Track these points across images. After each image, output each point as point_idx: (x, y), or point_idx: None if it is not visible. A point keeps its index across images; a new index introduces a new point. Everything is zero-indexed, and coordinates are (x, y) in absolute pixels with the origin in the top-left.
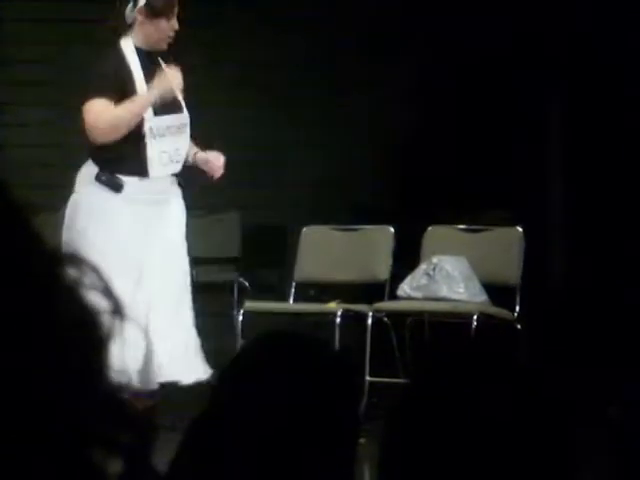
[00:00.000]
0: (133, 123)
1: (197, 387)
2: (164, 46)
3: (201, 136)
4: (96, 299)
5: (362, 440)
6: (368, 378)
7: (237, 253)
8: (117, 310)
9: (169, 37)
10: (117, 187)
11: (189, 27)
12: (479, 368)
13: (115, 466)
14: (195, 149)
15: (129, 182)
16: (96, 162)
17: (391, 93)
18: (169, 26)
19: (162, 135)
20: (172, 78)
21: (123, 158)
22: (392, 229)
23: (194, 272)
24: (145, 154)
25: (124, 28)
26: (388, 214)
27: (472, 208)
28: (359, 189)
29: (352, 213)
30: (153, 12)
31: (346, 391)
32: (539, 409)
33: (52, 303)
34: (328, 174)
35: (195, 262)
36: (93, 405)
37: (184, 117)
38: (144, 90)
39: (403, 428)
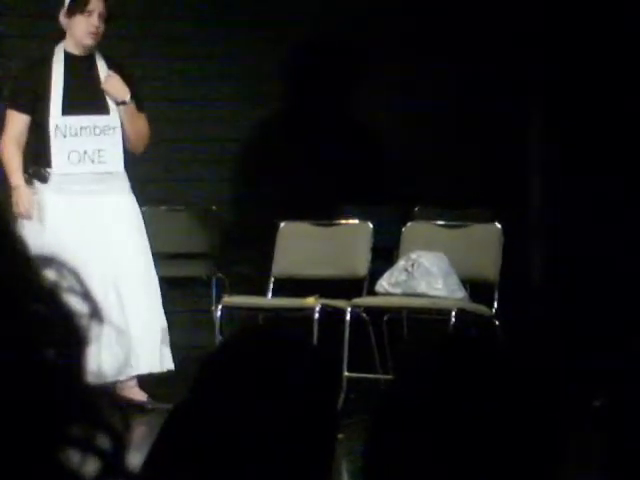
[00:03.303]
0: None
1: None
2: (89, 42)
3: (176, 132)
4: (74, 301)
5: (340, 435)
6: (346, 374)
7: (215, 248)
8: (95, 313)
9: (90, 33)
10: (43, 178)
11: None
12: (460, 363)
13: (90, 467)
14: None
15: (55, 174)
16: (25, 158)
17: (374, 89)
18: (87, 22)
19: (74, 135)
20: (109, 82)
21: (39, 153)
22: (371, 225)
23: (173, 267)
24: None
25: (61, 35)
26: (367, 209)
27: (451, 205)
28: (337, 184)
29: (331, 208)
30: (69, 12)
31: (324, 386)
32: (525, 402)
33: (29, 304)
34: (306, 169)
35: (173, 257)
36: (69, 406)
37: (109, 119)
38: (58, 100)
39: (388, 426)
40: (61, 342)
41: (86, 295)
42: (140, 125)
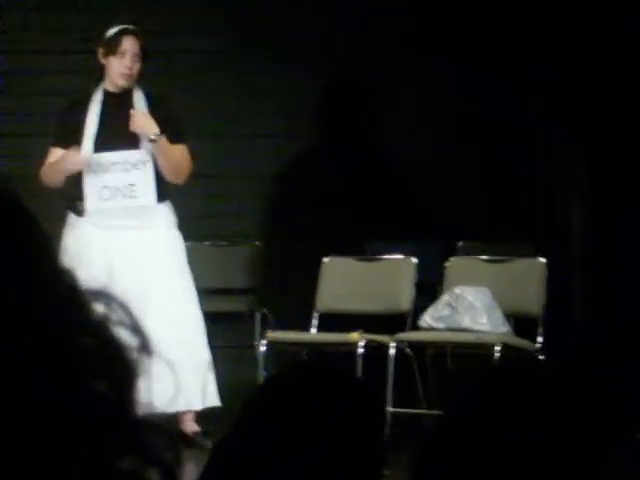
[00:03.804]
0: (58, 178)
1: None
2: (122, 83)
3: (220, 167)
4: (124, 335)
5: (386, 471)
6: (390, 409)
7: (259, 283)
8: (144, 346)
9: (122, 74)
10: (79, 212)
11: None
12: (504, 397)
13: None
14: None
15: (91, 210)
16: (65, 192)
17: (417, 124)
18: (120, 64)
19: (104, 171)
20: (135, 120)
21: (74, 190)
22: (415, 260)
23: (216, 302)
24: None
25: (102, 72)
26: (411, 245)
27: (494, 239)
28: (381, 220)
29: (374, 244)
30: (104, 52)
31: (370, 421)
32: (569, 434)
33: (80, 338)
34: (350, 204)
35: (217, 292)
36: (120, 439)
37: (141, 153)
38: (90, 139)
39: (433, 460)
40: (111, 375)
41: (136, 328)
42: (176, 157)
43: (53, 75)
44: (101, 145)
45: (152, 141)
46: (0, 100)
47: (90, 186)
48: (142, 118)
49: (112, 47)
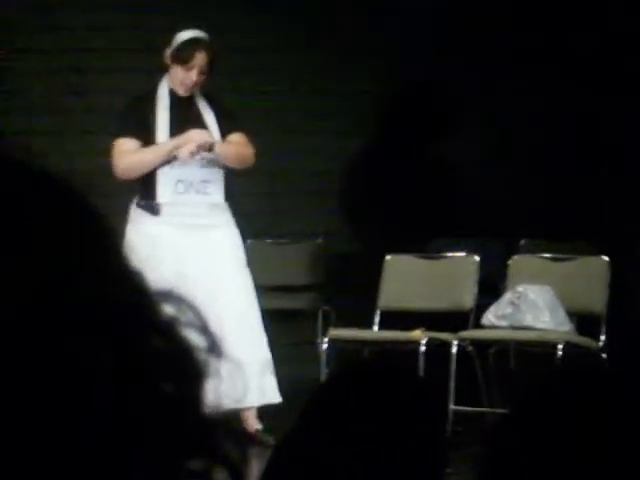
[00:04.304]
0: (151, 167)
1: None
2: (182, 92)
3: (281, 164)
4: (193, 336)
5: (449, 469)
6: (452, 407)
7: (321, 280)
8: (213, 347)
9: (183, 85)
10: (154, 211)
11: None
12: (570, 396)
13: None
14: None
15: (161, 204)
16: (136, 190)
17: (478, 123)
18: (185, 76)
19: (181, 164)
20: (194, 136)
21: (147, 186)
22: (477, 258)
23: (278, 300)
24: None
25: (166, 69)
26: (473, 242)
27: (557, 237)
28: (444, 218)
29: (437, 241)
30: (172, 58)
31: (432, 419)
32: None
33: (148, 339)
34: (413, 202)
35: (279, 289)
36: (188, 440)
37: (212, 154)
38: (165, 132)
39: (502, 458)
40: (180, 376)
41: (204, 329)
42: (239, 152)
43: (114, 73)
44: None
45: (212, 150)
46: (60, 98)
47: (165, 179)
48: (198, 136)
49: (182, 57)
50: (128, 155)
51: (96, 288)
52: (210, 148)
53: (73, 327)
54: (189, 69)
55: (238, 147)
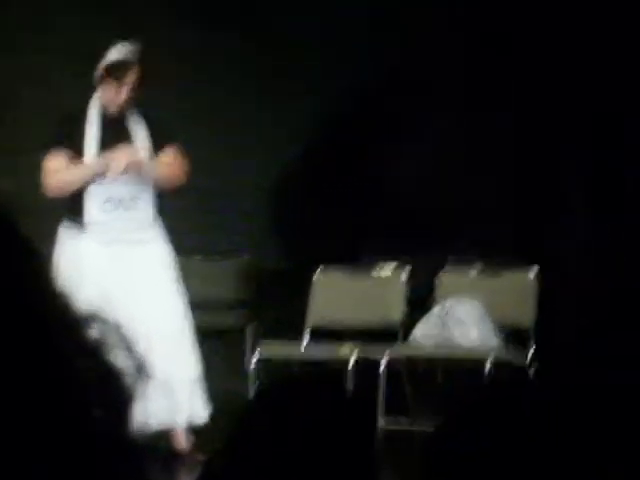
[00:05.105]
0: (78, 186)
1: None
2: (113, 109)
3: (210, 181)
4: (119, 357)
5: None
6: (381, 423)
7: (250, 297)
8: (140, 369)
9: (114, 103)
10: (81, 229)
11: None
12: (496, 412)
13: None
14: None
15: (89, 223)
16: (64, 208)
17: (407, 139)
18: (116, 92)
19: (107, 183)
20: (122, 155)
21: (74, 202)
22: (406, 273)
23: (207, 316)
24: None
25: (96, 85)
26: (401, 258)
27: (485, 253)
28: (372, 233)
29: (365, 257)
30: (102, 78)
31: (361, 436)
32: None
33: (74, 361)
34: (339, 218)
35: (208, 306)
36: (114, 460)
37: (141, 173)
38: (93, 150)
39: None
40: (106, 398)
41: (130, 350)
42: (168, 172)
43: (39, 89)
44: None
45: (141, 168)
46: None
47: (93, 197)
48: (128, 156)
49: (113, 76)
50: (56, 173)
51: (22, 310)
52: (139, 167)
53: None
54: (120, 87)
55: (167, 167)
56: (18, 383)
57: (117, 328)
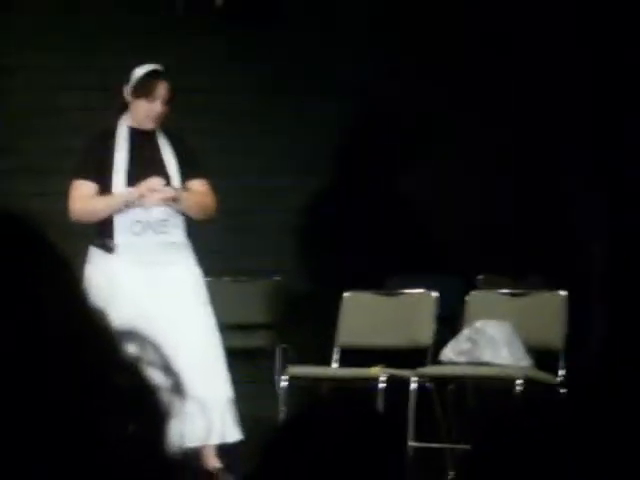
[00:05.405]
0: (104, 216)
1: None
2: (149, 125)
3: (239, 202)
4: (156, 374)
5: None
6: (411, 443)
7: (280, 318)
8: (176, 386)
9: (149, 117)
10: (109, 249)
11: None
12: (530, 433)
13: None
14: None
15: (122, 245)
16: (93, 229)
17: (437, 160)
18: (150, 108)
19: (135, 207)
20: (155, 188)
21: (104, 226)
22: (435, 294)
23: (236, 338)
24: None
25: (124, 107)
26: (431, 279)
27: (515, 273)
28: (401, 254)
29: (394, 278)
30: (134, 93)
31: (391, 456)
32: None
33: (112, 378)
34: (369, 239)
35: (237, 328)
36: (151, 477)
37: (170, 190)
38: (122, 174)
39: None
40: (144, 415)
41: (167, 369)
42: (201, 201)
43: (71, 112)
44: (131, 180)
45: (175, 201)
46: (19, 138)
47: (122, 220)
48: (161, 188)
49: (144, 90)
50: (82, 201)
51: (61, 327)
52: (174, 199)
53: (38, 363)
54: (153, 101)
55: (200, 197)
56: (53, 395)
57: (154, 345)
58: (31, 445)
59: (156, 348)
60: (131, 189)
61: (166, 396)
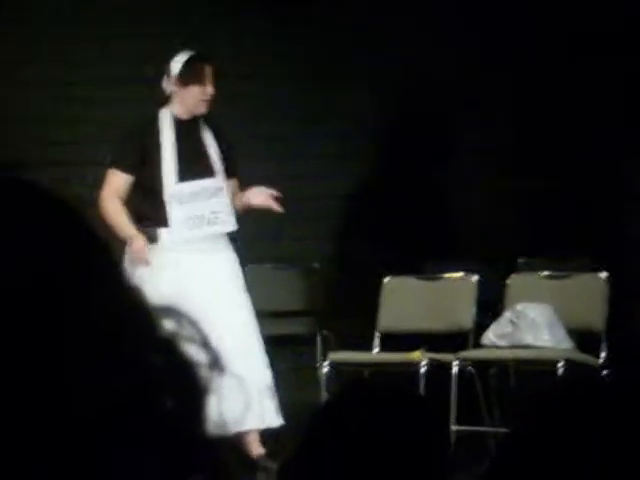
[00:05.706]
0: (111, 229)
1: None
2: (202, 110)
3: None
4: (194, 351)
5: None
6: (454, 427)
7: (320, 305)
8: (215, 362)
9: (204, 101)
10: (152, 238)
11: None
12: (572, 415)
13: None
14: (237, 202)
15: (164, 233)
16: (140, 212)
17: (477, 143)
18: (202, 91)
19: (188, 201)
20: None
21: (149, 215)
22: (476, 277)
23: (277, 325)
24: (168, 218)
25: (164, 99)
26: (471, 262)
27: (555, 255)
28: (442, 238)
29: (435, 262)
30: (182, 81)
31: (434, 440)
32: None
33: (148, 355)
34: (409, 223)
35: (278, 315)
36: (190, 456)
37: (216, 181)
38: (172, 163)
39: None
40: (180, 392)
41: (205, 345)
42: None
43: (105, 104)
44: (180, 175)
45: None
46: (53, 129)
47: (176, 218)
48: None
49: (195, 75)
50: (109, 202)
51: (98, 305)
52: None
53: (78, 341)
54: (204, 84)
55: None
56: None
57: (191, 321)
58: (69, 426)
59: (194, 324)
60: (140, 240)
61: (204, 372)
